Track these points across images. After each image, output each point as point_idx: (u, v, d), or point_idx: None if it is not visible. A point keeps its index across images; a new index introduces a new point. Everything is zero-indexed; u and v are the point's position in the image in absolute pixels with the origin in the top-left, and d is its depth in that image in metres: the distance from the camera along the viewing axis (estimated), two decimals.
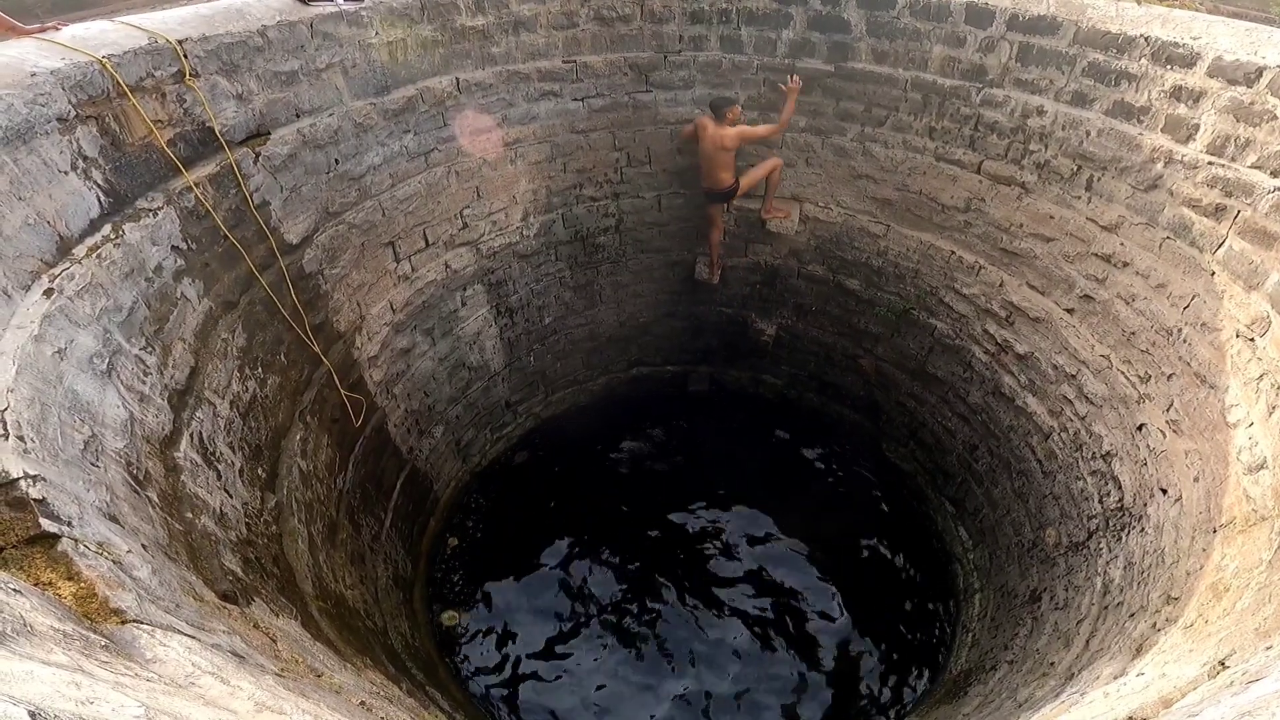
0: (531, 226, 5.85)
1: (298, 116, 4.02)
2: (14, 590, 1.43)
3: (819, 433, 7.29)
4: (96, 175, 2.96)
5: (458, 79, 4.85)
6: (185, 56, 3.32)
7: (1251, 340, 3.57)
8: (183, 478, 2.94)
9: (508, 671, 5.60)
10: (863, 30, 5.20)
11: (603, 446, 7.29)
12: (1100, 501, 4.49)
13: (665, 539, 6.51)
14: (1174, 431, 4.00)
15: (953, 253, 5.49)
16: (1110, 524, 4.35)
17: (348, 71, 4.22)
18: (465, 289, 5.64)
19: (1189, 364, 3.95)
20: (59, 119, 2.77)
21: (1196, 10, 4.43)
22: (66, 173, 2.81)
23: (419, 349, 5.45)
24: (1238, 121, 3.70)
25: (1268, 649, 2.10)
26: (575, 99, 5.48)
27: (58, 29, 3.11)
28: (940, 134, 5.22)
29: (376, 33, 4.29)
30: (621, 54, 5.47)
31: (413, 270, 5.14)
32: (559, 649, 5.73)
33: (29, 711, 0.86)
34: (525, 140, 5.43)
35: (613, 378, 7.48)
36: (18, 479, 1.87)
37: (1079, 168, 4.55)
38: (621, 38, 5.41)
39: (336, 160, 4.30)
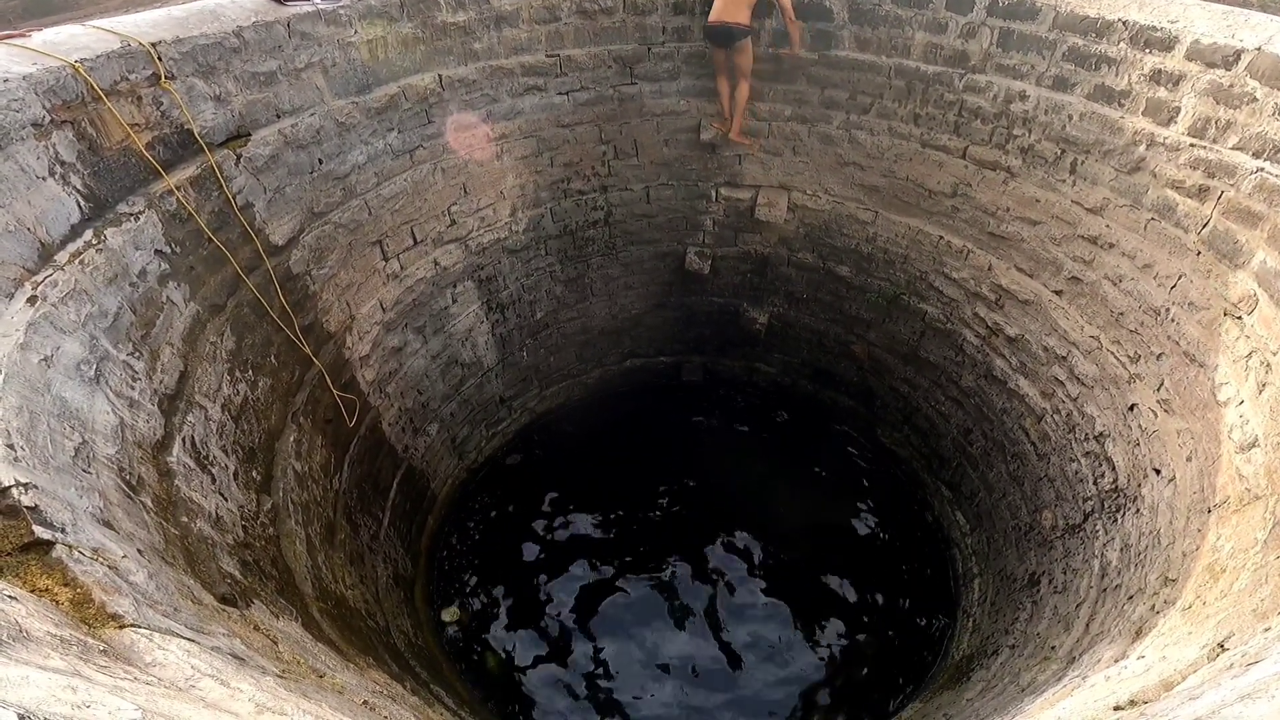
0: (520, 222, 5.83)
1: (278, 117, 3.98)
2: (9, 597, 1.42)
3: (814, 419, 7.32)
4: (75, 180, 2.93)
5: (440, 76, 4.82)
6: (160, 59, 3.28)
7: (1239, 318, 3.60)
8: (176, 482, 2.92)
9: (512, 663, 5.62)
10: (845, 18, 5.20)
11: (599, 438, 7.29)
12: (1095, 483, 4.52)
13: (664, 525, 6.53)
14: (1165, 411, 4.03)
15: (941, 238, 5.51)
16: (1105, 505, 4.38)
17: (328, 71, 4.18)
18: (455, 286, 5.61)
19: (1178, 343, 3.98)
20: (34, 124, 2.73)
21: None
22: (44, 178, 2.78)
23: (411, 347, 5.42)
24: (1217, 104, 3.71)
25: (1266, 630, 2.11)
26: (560, 93, 5.46)
27: (28, 35, 3.06)
28: (925, 120, 5.23)
29: (356, 31, 4.26)
30: (605, 47, 5.44)
31: (402, 268, 5.12)
32: (562, 636, 5.75)
33: (19, 714, 0.85)
34: (511, 135, 5.41)
35: (606, 370, 7.47)
36: (9, 487, 1.86)
37: (1063, 151, 4.57)
38: (605, 30, 5.39)
39: (320, 160, 4.27)
